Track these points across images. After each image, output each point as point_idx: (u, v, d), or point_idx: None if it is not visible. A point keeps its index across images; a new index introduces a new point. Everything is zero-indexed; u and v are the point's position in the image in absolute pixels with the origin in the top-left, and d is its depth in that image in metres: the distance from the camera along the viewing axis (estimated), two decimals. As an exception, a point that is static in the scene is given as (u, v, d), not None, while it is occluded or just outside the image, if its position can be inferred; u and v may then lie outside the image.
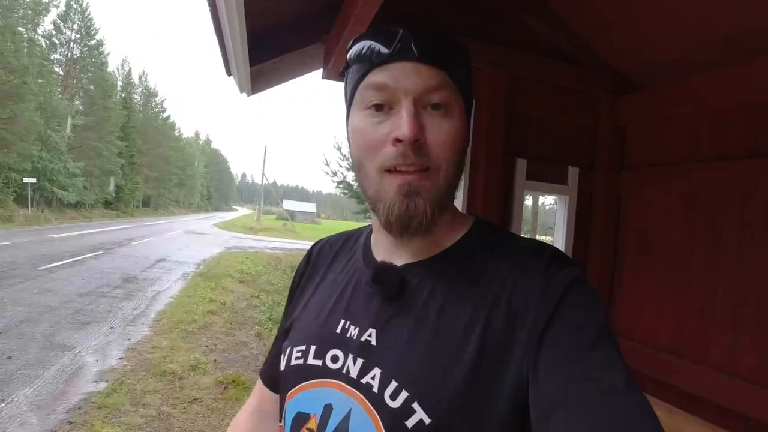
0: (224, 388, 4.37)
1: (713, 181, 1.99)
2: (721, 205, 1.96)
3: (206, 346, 5.64)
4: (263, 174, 47.10)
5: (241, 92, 2.42)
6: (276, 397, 0.75)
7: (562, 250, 2.30)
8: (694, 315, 2.01)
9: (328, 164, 14.17)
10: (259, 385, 0.85)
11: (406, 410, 0.55)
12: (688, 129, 2.13)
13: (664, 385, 2.02)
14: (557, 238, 2.41)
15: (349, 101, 0.65)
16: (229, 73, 2.17)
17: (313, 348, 0.66)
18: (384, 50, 0.59)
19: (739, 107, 1.91)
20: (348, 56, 0.64)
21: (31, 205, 23.01)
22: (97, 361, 4.68)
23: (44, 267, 9.35)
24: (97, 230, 20.28)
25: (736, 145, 1.92)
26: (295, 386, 0.66)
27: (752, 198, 1.85)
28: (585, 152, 2.42)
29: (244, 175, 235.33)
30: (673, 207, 2.16)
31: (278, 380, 0.72)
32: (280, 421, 0.69)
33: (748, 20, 1.73)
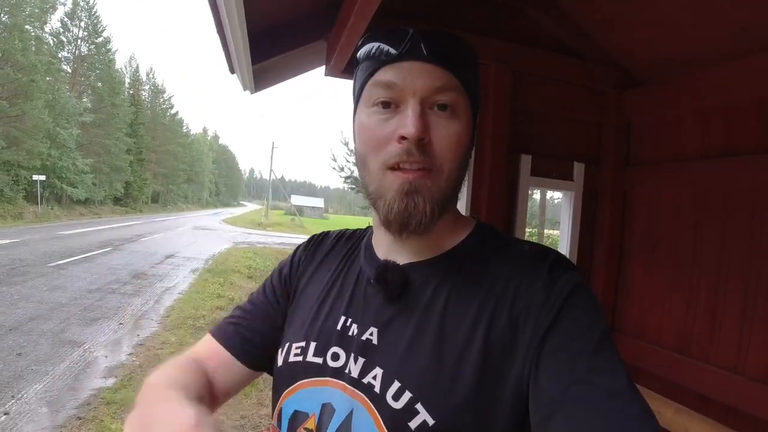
0: (231, 384, 4.39)
1: (721, 177, 1.96)
2: (729, 201, 1.93)
3: (214, 342, 5.65)
4: (271, 170, 47.38)
5: (245, 90, 2.41)
6: (224, 357, 0.73)
7: (568, 246, 2.31)
8: (702, 313, 1.98)
9: (335, 159, 14.24)
10: (208, 340, 0.75)
11: (409, 411, 0.55)
12: (695, 124, 2.09)
13: (671, 384, 2.00)
14: (563, 234, 2.40)
15: (357, 98, 0.65)
16: (232, 70, 2.17)
17: (312, 345, 0.66)
18: (393, 50, 0.59)
19: (748, 102, 1.87)
20: (358, 55, 0.65)
21: (41, 202, 23.25)
22: (106, 357, 4.73)
23: (54, 264, 9.44)
24: (106, 227, 20.49)
25: (744, 140, 1.89)
26: (293, 384, 0.65)
27: (761, 194, 1.81)
28: (590, 148, 2.40)
29: (252, 171, 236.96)
30: (680, 203, 2.13)
31: (245, 350, 0.73)
32: (274, 420, 0.68)
33: (755, 13, 1.69)
